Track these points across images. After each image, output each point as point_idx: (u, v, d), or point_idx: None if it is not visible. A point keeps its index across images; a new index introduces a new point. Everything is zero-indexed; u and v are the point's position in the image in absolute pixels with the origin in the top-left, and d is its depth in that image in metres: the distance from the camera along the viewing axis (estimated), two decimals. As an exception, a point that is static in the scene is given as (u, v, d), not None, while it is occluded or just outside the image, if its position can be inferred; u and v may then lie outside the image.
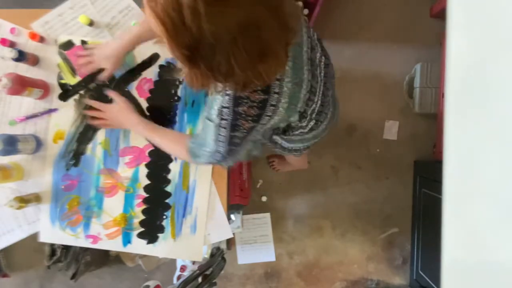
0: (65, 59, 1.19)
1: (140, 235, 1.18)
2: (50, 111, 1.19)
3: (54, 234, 1.18)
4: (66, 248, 1.58)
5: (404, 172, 1.91)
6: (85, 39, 1.19)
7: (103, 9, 1.19)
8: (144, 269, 1.90)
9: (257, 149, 1.09)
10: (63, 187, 1.18)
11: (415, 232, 1.83)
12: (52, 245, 1.58)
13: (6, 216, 1.19)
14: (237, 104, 0.75)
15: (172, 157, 1.17)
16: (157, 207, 1.17)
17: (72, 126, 1.18)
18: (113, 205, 1.18)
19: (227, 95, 0.75)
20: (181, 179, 1.17)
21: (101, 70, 1.12)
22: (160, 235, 1.17)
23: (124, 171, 1.18)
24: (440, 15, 1.83)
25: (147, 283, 1.22)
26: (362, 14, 1.93)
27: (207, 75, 0.63)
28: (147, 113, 1.17)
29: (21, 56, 1.12)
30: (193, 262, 1.32)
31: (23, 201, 1.10)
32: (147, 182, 1.18)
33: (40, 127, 1.19)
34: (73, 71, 1.19)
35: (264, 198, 1.96)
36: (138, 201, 1.18)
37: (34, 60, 1.17)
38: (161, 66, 1.18)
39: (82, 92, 1.18)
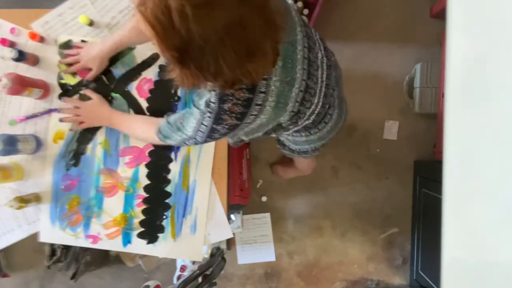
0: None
1: (140, 235, 1.18)
2: (50, 111, 1.19)
3: (54, 234, 1.18)
4: (66, 248, 1.58)
5: (404, 172, 1.91)
6: (85, 39, 1.19)
7: (103, 9, 1.19)
8: (144, 269, 1.90)
9: (232, 139, 1.10)
10: (63, 187, 1.18)
11: (415, 232, 1.83)
12: (52, 245, 1.58)
13: (6, 216, 1.18)
14: (222, 101, 0.78)
15: (172, 157, 1.17)
16: (157, 207, 1.17)
17: (72, 126, 1.18)
18: (113, 205, 1.18)
19: (214, 91, 0.77)
20: (181, 179, 1.17)
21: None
22: (160, 235, 1.17)
23: (124, 171, 1.18)
24: (440, 15, 1.83)
25: (147, 283, 1.22)
26: (362, 14, 1.93)
27: (197, 75, 0.65)
28: (147, 113, 1.17)
29: (21, 56, 1.12)
30: (193, 262, 1.33)
31: (23, 201, 1.10)
32: (147, 182, 1.18)
33: (40, 127, 1.19)
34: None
35: (264, 198, 1.96)
36: (138, 201, 1.18)
37: (34, 60, 1.17)
38: (161, 66, 1.18)
39: (82, 92, 1.18)
